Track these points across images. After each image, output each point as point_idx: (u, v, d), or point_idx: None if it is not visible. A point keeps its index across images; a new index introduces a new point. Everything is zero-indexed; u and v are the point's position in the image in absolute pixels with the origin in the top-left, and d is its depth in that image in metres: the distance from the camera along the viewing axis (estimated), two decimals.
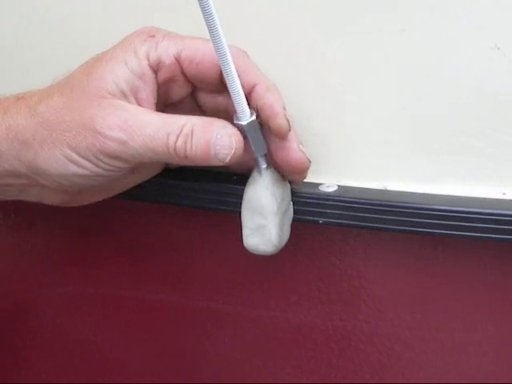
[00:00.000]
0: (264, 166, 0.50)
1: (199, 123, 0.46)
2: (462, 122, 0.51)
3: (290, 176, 0.51)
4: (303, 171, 0.50)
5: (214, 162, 0.46)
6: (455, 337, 0.55)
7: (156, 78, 0.48)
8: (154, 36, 0.47)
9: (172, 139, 0.45)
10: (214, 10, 0.43)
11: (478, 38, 0.49)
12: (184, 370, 0.66)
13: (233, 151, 0.46)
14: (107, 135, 0.44)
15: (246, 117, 0.47)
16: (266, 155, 0.50)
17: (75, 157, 0.45)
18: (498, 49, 0.49)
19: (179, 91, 0.50)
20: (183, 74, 0.48)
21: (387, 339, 0.57)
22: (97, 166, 0.46)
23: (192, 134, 0.45)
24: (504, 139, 0.50)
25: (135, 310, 0.65)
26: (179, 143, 0.45)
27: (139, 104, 0.47)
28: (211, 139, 0.45)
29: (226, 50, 0.45)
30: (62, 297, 0.67)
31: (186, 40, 0.48)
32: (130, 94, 0.46)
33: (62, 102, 0.46)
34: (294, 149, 0.49)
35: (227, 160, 0.46)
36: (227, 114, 0.49)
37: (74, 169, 0.46)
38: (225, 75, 0.46)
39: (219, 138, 0.45)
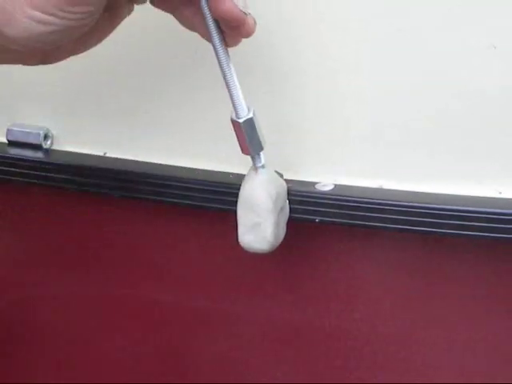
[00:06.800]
0: (260, 164, 0.50)
1: None
2: (457, 121, 0.51)
3: (230, 31, 0.48)
4: (238, 22, 0.47)
5: None
6: (452, 336, 0.55)
7: None
8: None
9: None
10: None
11: (474, 38, 0.49)
12: (181, 369, 0.66)
13: None
14: None
15: (243, 114, 0.48)
16: (262, 153, 0.50)
17: (39, 15, 0.44)
18: (495, 48, 0.49)
19: None
20: None
21: (384, 339, 0.57)
22: (63, 18, 0.45)
23: None
24: (500, 139, 0.50)
25: (133, 309, 0.65)
26: None
27: None
28: None
29: (226, 50, 0.45)
30: (59, 296, 0.68)
31: None
32: None
33: None
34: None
35: None
36: None
37: (41, 28, 0.45)
38: (223, 73, 0.46)
39: None
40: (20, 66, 0.62)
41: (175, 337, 0.65)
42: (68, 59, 0.60)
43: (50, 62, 0.51)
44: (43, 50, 0.49)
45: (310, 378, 0.61)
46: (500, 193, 0.50)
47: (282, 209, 0.51)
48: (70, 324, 0.68)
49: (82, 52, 0.52)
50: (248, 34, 0.48)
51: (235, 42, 0.48)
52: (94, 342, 0.68)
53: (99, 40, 0.52)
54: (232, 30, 0.47)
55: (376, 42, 0.51)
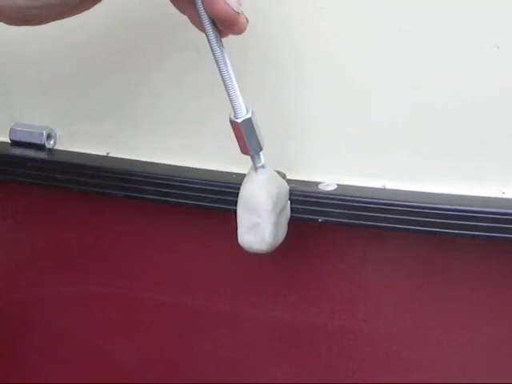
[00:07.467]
0: (260, 164, 0.50)
1: None
2: (460, 121, 0.51)
3: (224, 29, 0.49)
4: (232, 22, 0.48)
5: None
6: (453, 336, 0.55)
7: None
8: None
9: None
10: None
11: (477, 38, 0.49)
12: (182, 369, 0.65)
13: None
14: None
15: (241, 114, 0.48)
16: (261, 153, 0.50)
17: None
18: (498, 48, 0.49)
19: None
20: None
21: (386, 339, 0.57)
22: None
23: None
24: (502, 139, 0.50)
25: (134, 309, 0.65)
26: None
27: None
28: None
29: (224, 51, 0.45)
30: (60, 297, 0.67)
31: None
32: None
33: None
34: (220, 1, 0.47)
35: None
36: None
37: (26, 2, 0.46)
38: (220, 73, 0.46)
39: None
40: (22, 65, 0.63)
41: (175, 337, 0.65)
42: (70, 60, 0.61)
43: (33, 25, 0.51)
44: (26, 19, 0.49)
45: (311, 378, 0.61)
46: (503, 193, 0.51)
47: (282, 209, 0.51)
48: (70, 324, 0.68)
49: (65, 18, 0.52)
50: (240, 32, 0.49)
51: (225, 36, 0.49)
52: (94, 341, 0.68)
53: (83, 11, 0.52)
54: (225, 28, 0.48)
55: (376, 42, 0.51)
